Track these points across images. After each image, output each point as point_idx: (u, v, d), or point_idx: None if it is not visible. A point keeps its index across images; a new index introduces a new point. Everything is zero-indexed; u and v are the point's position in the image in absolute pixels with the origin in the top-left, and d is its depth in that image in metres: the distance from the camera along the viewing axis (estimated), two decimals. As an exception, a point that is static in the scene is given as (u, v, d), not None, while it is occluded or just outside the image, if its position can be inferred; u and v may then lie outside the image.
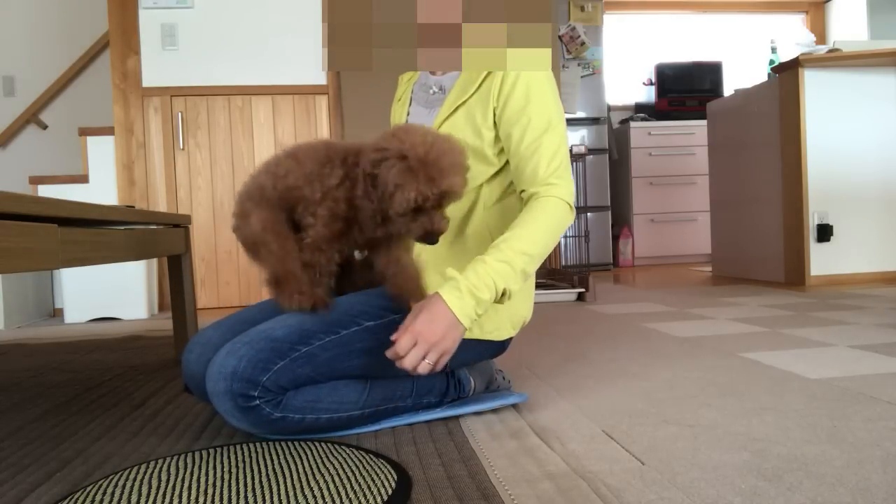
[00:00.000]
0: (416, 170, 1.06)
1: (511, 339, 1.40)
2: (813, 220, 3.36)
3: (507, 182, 1.36)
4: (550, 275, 3.56)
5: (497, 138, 1.32)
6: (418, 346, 1.10)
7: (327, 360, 1.17)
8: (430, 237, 1.12)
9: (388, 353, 1.12)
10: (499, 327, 1.33)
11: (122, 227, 1.76)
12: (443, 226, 1.12)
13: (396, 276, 1.21)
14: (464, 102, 1.31)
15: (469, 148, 1.29)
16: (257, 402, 1.11)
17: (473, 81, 1.31)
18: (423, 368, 1.11)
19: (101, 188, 3.60)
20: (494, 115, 1.30)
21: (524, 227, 1.23)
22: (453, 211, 1.28)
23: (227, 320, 1.34)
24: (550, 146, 1.28)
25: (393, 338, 1.11)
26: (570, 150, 2.99)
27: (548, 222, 1.25)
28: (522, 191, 1.30)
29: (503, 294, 1.17)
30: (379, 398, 1.23)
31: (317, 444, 1.15)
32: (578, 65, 4.72)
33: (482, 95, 1.30)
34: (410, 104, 1.46)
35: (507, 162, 1.34)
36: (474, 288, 1.12)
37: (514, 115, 1.28)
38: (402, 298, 1.21)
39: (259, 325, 1.19)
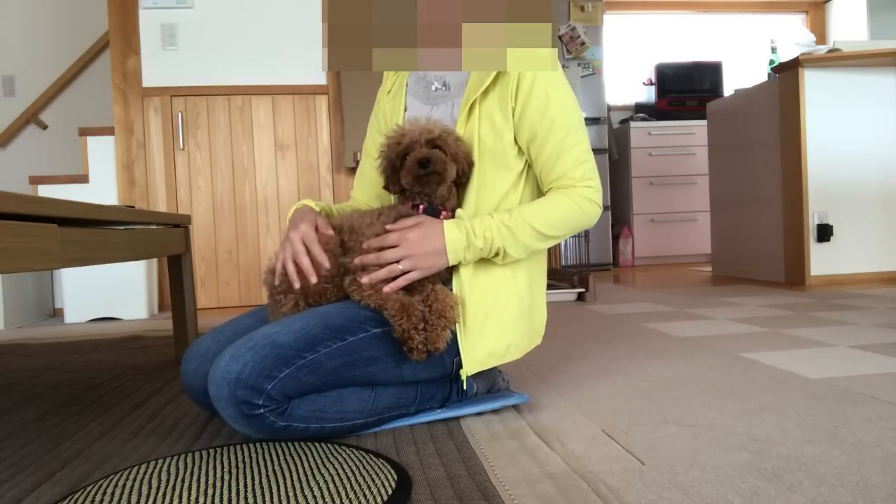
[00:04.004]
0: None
1: None
2: (813, 220, 3.36)
3: (531, 188, 1.35)
4: (550, 275, 3.55)
5: (515, 140, 1.30)
6: (400, 249, 1.19)
7: (333, 368, 1.14)
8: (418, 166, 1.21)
9: (367, 244, 1.21)
10: (530, 342, 1.36)
11: (122, 227, 1.76)
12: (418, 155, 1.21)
13: (434, 301, 1.21)
14: (481, 99, 1.28)
15: (489, 153, 1.28)
16: (261, 410, 1.08)
17: (486, 75, 1.28)
18: (393, 270, 1.19)
19: (101, 188, 3.60)
20: (513, 115, 1.28)
21: (541, 204, 1.28)
22: None
23: (225, 329, 1.33)
24: (575, 149, 1.28)
25: (388, 227, 1.21)
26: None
27: (566, 211, 1.27)
28: (549, 189, 1.30)
29: (497, 253, 1.23)
30: (383, 407, 1.23)
31: (317, 444, 1.15)
32: (578, 65, 4.72)
33: (499, 95, 1.28)
34: (406, 99, 1.43)
35: (526, 165, 1.33)
36: (472, 233, 1.21)
37: (536, 118, 1.27)
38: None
39: (262, 328, 1.17)
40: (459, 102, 1.33)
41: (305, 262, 1.21)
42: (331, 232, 1.26)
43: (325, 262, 1.21)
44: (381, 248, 1.20)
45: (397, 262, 1.19)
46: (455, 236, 1.20)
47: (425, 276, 1.21)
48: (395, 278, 1.19)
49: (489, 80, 1.27)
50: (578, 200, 1.27)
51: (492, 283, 1.27)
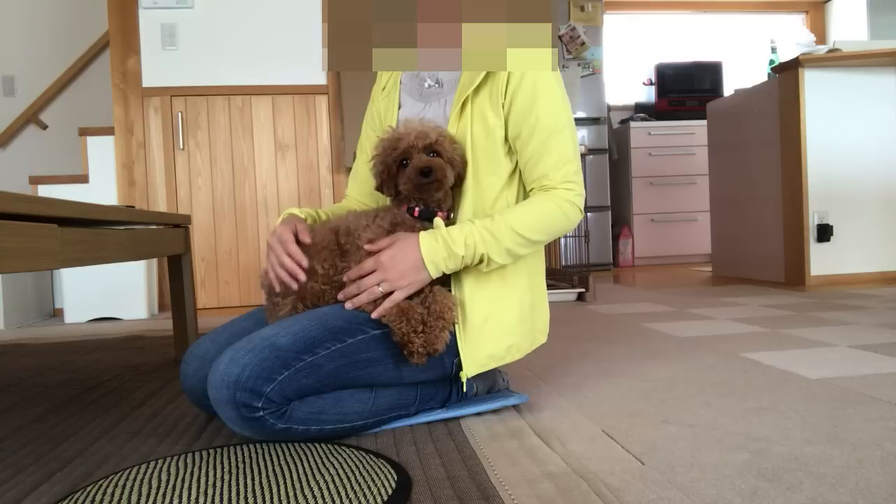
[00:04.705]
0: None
1: None
2: (813, 220, 3.36)
3: (525, 188, 1.34)
4: (550, 275, 3.55)
5: (506, 137, 1.29)
6: (376, 273, 1.18)
7: (332, 370, 1.14)
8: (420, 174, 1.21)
9: (346, 276, 1.22)
10: (532, 342, 1.35)
11: (122, 227, 1.76)
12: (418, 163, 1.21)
13: (433, 303, 1.21)
14: (473, 96, 1.28)
15: (482, 150, 1.27)
16: (261, 413, 1.08)
17: (478, 73, 1.27)
18: (373, 293, 1.18)
19: (101, 188, 3.59)
20: (503, 110, 1.27)
21: (523, 208, 1.26)
22: None
23: (224, 331, 1.32)
24: (558, 148, 1.26)
25: (365, 247, 1.21)
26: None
27: (550, 214, 1.26)
28: (531, 189, 1.30)
29: (481, 260, 1.21)
30: (383, 408, 1.22)
31: (317, 444, 1.15)
32: (578, 65, 4.72)
33: (490, 92, 1.27)
34: (400, 96, 1.42)
35: (517, 165, 1.32)
36: (451, 240, 1.18)
37: (522, 115, 1.26)
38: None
39: (261, 330, 1.17)
40: (452, 100, 1.32)
41: (288, 263, 1.23)
42: (308, 239, 1.26)
43: (303, 260, 1.23)
44: (360, 277, 1.20)
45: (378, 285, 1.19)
46: (431, 247, 1.18)
47: (413, 293, 1.20)
48: (380, 301, 1.19)
49: (480, 77, 1.27)
50: (560, 203, 1.26)
51: (491, 286, 1.26)
